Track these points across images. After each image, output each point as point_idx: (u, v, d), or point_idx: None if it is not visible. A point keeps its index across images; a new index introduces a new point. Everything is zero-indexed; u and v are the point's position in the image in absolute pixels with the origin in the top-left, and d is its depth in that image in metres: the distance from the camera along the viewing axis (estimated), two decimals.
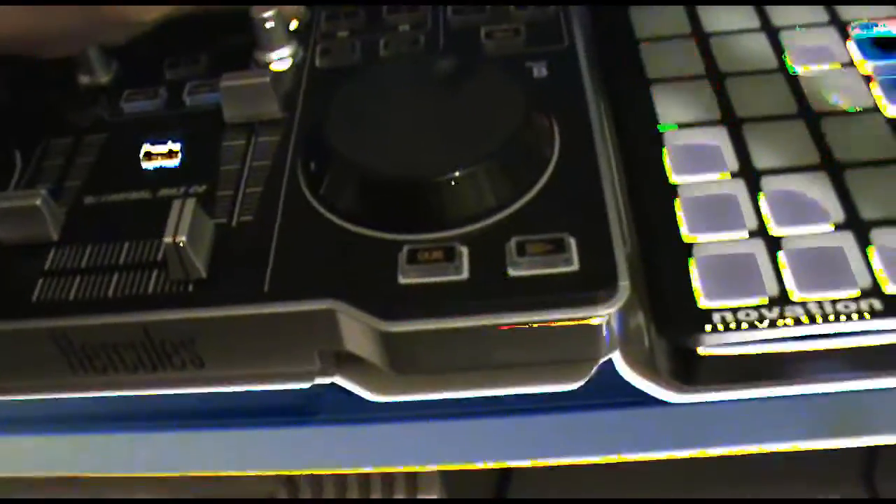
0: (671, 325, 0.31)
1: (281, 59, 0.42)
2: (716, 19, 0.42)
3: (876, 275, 0.30)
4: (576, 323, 0.30)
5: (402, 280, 0.32)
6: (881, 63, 0.38)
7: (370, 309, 0.31)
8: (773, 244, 0.32)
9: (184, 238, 0.32)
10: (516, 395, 0.33)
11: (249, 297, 0.32)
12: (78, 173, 0.39)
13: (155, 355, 0.33)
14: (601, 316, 0.30)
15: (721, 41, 0.40)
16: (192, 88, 0.42)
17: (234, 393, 0.35)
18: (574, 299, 0.30)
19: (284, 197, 0.36)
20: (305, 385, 0.34)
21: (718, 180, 0.34)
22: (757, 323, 0.30)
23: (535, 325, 0.30)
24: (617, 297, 0.30)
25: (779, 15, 0.41)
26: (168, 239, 0.32)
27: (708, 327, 0.30)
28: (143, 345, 0.33)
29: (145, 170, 0.38)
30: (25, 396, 0.36)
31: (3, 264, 0.35)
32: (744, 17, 0.42)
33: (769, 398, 0.31)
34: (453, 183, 0.33)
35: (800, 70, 0.38)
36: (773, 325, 0.30)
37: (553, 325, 0.30)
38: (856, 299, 0.30)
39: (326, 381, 0.34)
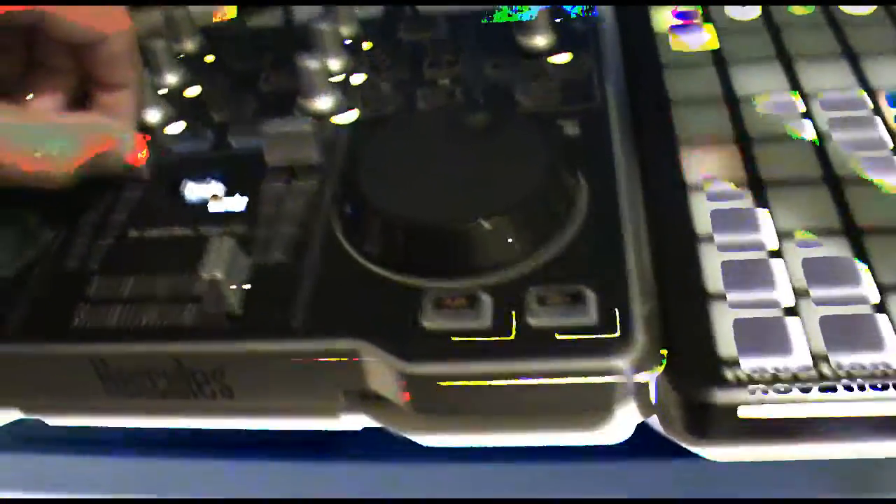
0: (687, 378, 0.31)
1: (323, 107, 0.44)
2: (747, 82, 0.43)
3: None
4: (590, 373, 0.31)
5: (426, 324, 0.33)
6: None
7: (394, 350, 0.32)
8: (797, 306, 0.33)
9: (220, 274, 0.34)
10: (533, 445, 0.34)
11: (280, 334, 0.34)
12: (123, 207, 0.40)
13: (186, 385, 0.35)
14: (615, 368, 0.31)
15: (751, 106, 0.41)
16: (237, 131, 0.43)
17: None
18: (589, 351, 0.31)
19: (318, 240, 0.37)
20: (330, 421, 0.35)
21: (744, 241, 0.35)
22: (780, 384, 0.30)
23: (550, 374, 0.31)
24: (632, 351, 0.31)
25: (809, 77, 0.43)
26: (206, 274, 0.34)
27: (727, 382, 0.30)
28: (176, 374, 0.35)
29: (187, 207, 0.40)
30: (60, 417, 0.37)
31: (47, 290, 0.37)
32: (774, 78, 0.43)
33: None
34: (478, 232, 0.34)
35: (827, 135, 0.39)
36: (798, 387, 0.30)
37: (567, 374, 0.31)
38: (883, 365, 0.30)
39: (350, 417, 0.35)
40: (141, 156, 0.41)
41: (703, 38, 0.46)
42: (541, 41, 0.46)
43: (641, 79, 0.44)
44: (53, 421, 0.37)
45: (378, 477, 0.36)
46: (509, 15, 0.48)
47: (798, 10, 0.47)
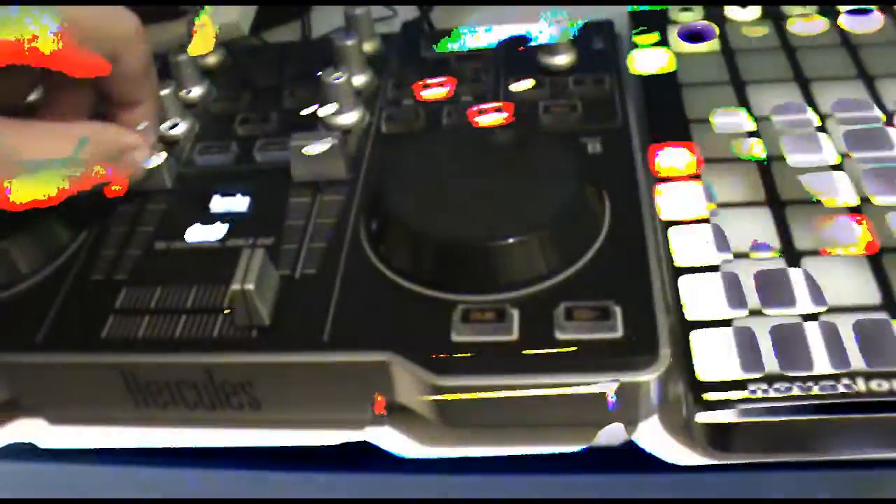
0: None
1: (348, 122, 0.44)
2: (763, 100, 0.44)
3: None
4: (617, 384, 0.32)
5: (455, 337, 0.33)
6: None
7: (423, 362, 0.33)
8: (811, 318, 0.33)
9: (251, 286, 0.34)
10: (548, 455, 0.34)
11: (309, 346, 0.34)
12: (151, 219, 0.41)
13: (215, 395, 0.35)
14: (641, 381, 0.32)
15: (768, 125, 0.42)
16: (262, 146, 0.44)
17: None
18: (616, 364, 0.32)
19: (346, 253, 0.38)
20: (358, 433, 0.36)
21: (761, 258, 0.36)
22: (794, 392, 0.31)
23: (578, 387, 0.32)
24: (657, 365, 0.32)
25: (822, 93, 0.43)
26: (236, 286, 0.34)
27: (742, 397, 0.31)
28: (205, 385, 0.35)
29: (216, 219, 0.40)
30: (89, 426, 0.37)
31: (75, 300, 0.37)
32: (789, 96, 0.43)
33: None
34: (506, 249, 0.35)
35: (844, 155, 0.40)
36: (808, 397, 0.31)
37: (595, 388, 0.32)
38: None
39: (377, 430, 0.36)
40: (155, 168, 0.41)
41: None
42: (562, 59, 0.46)
43: (661, 97, 0.45)
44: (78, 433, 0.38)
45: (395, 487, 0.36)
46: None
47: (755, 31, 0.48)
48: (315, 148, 0.41)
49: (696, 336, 0.33)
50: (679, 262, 0.36)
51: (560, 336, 0.33)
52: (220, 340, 0.35)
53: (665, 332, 0.33)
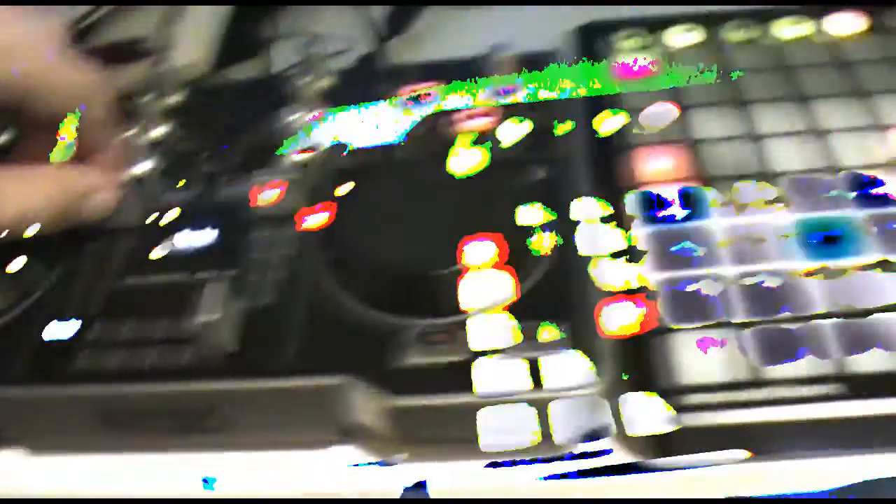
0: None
1: (309, 157, 0.46)
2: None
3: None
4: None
5: (410, 359, 0.36)
6: None
7: (381, 384, 0.35)
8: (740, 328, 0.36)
9: (215, 316, 0.36)
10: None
11: (273, 372, 0.36)
12: (118, 256, 0.43)
13: (186, 421, 0.37)
14: (588, 395, 0.34)
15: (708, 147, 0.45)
16: (225, 181, 0.46)
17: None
18: (563, 380, 0.34)
19: (308, 282, 0.40)
20: (321, 451, 0.38)
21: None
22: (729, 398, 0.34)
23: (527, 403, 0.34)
24: (600, 381, 0.34)
25: (763, 120, 0.46)
26: (202, 317, 0.36)
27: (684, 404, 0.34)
28: (176, 412, 0.37)
29: (183, 254, 0.42)
30: (69, 455, 0.39)
31: (49, 336, 0.40)
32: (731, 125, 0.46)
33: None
34: (456, 274, 0.37)
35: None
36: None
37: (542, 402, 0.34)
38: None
39: (341, 450, 0.38)
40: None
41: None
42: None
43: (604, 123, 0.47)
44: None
45: None
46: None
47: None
48: (275, 181, 0.43)
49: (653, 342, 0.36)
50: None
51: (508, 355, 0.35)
52: (188, 369, 0.37)
53: (607, 348, 0.35)
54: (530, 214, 0.40)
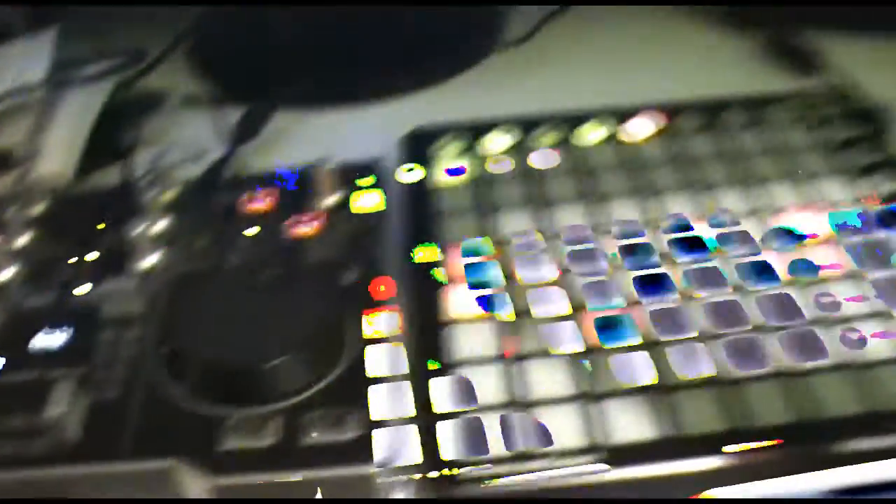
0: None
1: (148, 265, 0.53)
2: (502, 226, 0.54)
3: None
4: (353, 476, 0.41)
5: (228, 445, 0.42)
6: None
7: (202, 467, 0.41)
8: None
9: (62, 410, 0.42)
10: None
11: (110, 457, 0.42)
12: None
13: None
14: (371, 473, 0.41)
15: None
16: (80, 286, 0.52)
17: None
18: (350, 459, 0.41)
19: (145, 377, 0.46)
20: None
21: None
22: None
23: (323, 481, 0.41)
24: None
25: (557, 220, 0.54)
26: (51, 411, 0.42)
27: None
28: (30, 498, 0.43)
29: (35, 353, 0.48)
30: None
31: None
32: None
33: None
34: (268, 370, 0.44)
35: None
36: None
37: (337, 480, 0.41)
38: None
39: None
40: None
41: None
42: (331, 200, 0.56)
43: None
44: None
45: None
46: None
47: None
48: (120, 288, 0.49)
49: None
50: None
51: (307, 440, 0.42)
52: (38, 458, 0.43)
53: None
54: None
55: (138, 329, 0.49)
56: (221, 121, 0.69)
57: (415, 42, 0.81)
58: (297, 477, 0.41)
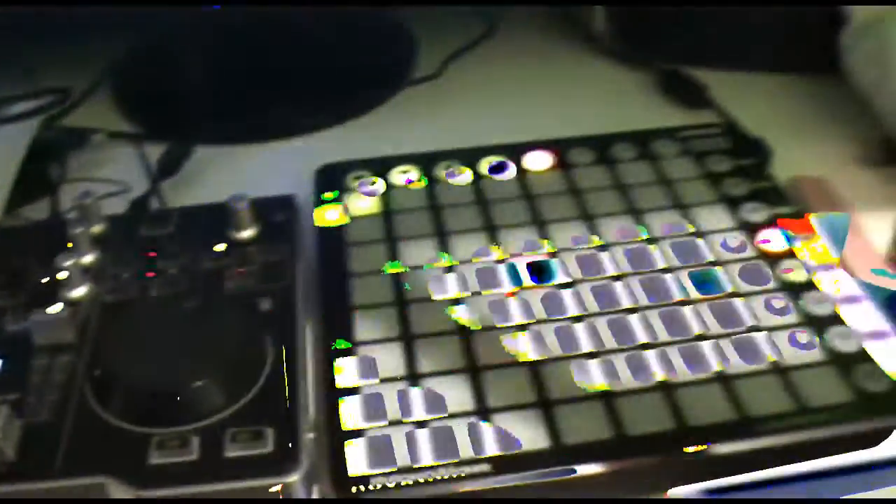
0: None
1: (77, 295, 0.57)
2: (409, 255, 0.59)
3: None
4: (268, 487, 0.45)
5: (153, 461, 0.46)
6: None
7: (130, 482, 0.46)
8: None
9: None
10: None
11: (44, 476, 0.46)
12: None
13: None
14: (286, 483, 0.45)
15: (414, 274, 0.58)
16: (12, 317, 0.55)
17: None
18: (268, 472, 0.46)
19: (75, 401, 0.50)
20: None
21: (377, 384, 0.50)
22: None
23: (241, 491, 0.45)
24: (299, 470, 0.46)
25: (458, 248, 0.60)
26: None
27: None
28: None
29: None
30: None
31: None
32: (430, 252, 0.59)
33: None
34: (187, 392, 0.48)
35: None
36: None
37: (254, 490, 0.45)
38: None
39: None
40: None
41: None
42: (246, 233, 0.60)
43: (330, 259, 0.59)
44: None
45: None
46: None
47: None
48: (50, 318, 0.53)
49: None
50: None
51: (228, 454, 0.46)
52: None
53: (307, 446, 0.47)
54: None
55: (69, 356, 0.52)
56: (144, 158, 0.73)
57: (328, 80, 0.86)
58: (217, 488, 0.45)
